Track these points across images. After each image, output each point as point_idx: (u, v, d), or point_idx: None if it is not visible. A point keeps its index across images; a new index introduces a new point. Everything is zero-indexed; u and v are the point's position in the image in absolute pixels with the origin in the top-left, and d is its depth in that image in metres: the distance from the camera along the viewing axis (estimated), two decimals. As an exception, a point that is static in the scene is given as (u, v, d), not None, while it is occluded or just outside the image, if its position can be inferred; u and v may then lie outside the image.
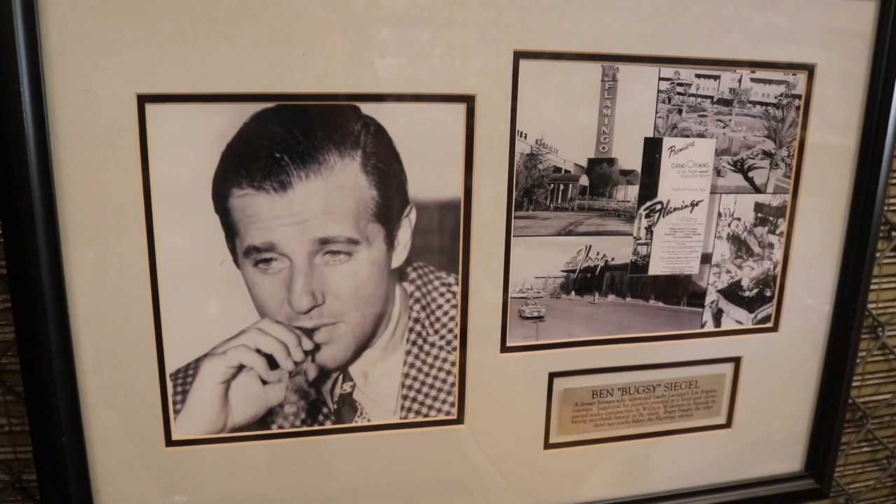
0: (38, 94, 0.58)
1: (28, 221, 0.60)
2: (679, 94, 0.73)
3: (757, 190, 0.78)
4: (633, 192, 0.74)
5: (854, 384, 0.96)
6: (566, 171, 0.72)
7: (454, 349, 0.73)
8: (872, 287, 0.92)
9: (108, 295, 0.64)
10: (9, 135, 0.58)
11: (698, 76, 0.73)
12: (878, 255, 0.89)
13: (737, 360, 0.83)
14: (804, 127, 0.77)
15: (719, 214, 0.78)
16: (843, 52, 0.77)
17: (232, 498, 0.72)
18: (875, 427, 1.01)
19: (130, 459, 0.69)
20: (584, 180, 0.72)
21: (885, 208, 0.89)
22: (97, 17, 0.58)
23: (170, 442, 0.69)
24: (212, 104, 0.62)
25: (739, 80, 0.74)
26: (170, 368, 0.67)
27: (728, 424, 0.86)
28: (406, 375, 0.73)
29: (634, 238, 0.76)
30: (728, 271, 0.80)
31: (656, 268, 0.77)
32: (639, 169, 0.74)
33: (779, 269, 0.81)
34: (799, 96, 0.76)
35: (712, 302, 0.80)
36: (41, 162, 0.59)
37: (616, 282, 0.76)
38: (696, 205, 0.76)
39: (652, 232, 0.76)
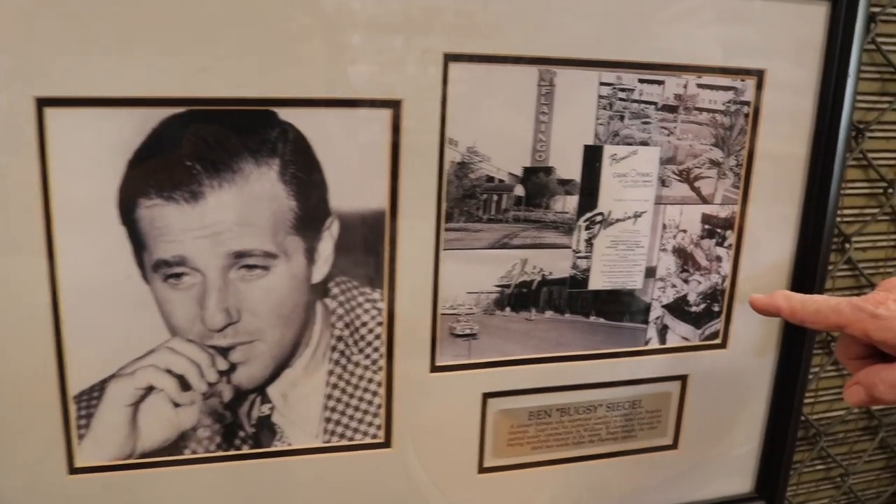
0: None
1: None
2: (621, 99, 0.70)
3: (704, 200, 0.75)
4: (571, 202, 0.71)
5: (807, 401, 0.94)
6: (500, 180, 0.68)
7: (380, 368, 0.70)
8: (826, 300, 0.90)
9: (5, 313, 0.60)
10: None
11: (641, 81, 0.70)
12: (830, 267, 0.87)
13: (683, 378, 0.80)
14: (753, 135, 0.75)
15: (664, 226, 0.75)
16: (793, 58, 0.74)
17: (143, 528, 0.68)
18: (829, 444, 0.98)
19: (31, 489, 0.64)
20: (520, 190, 0.69)
21: (838, 219, 0.87)
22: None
23: (73, 469, 0.65)
24: (118, 108, 0.58)
25: (685, 86, 0.71)
26: (73, 391, 0.63)
27: (674, 445, 0.83)
28: (329, 397, 0.69)
29: (574, 251, 0.73)
30: (673, 286, 0.77)
31: (597, 282, 0.74)
32: (578, 178, 0.71)
33: (727, 283, 0.78)
34: (748, 103, 0.74)
35: (657, 318, 0.77)
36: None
37: (554, 297, 0.73)
38: (640, 216, 0.73)
39: (592, 245, 0.73)
